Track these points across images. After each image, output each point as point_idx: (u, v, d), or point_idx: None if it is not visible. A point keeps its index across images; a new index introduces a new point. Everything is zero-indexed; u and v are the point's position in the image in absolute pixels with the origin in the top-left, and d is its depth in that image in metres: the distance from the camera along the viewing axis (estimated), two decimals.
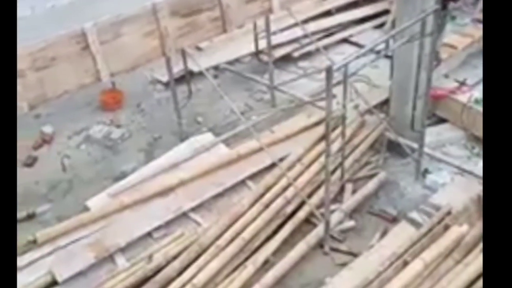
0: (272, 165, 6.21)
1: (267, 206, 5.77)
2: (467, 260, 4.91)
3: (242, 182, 6.32)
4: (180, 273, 5.22)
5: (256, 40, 8.24)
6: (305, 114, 7.20)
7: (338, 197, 6.07)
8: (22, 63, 4.64)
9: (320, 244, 5.56)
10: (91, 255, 5.45)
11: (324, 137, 5.07)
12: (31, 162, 6.98)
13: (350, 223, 5.81)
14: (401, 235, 5.39)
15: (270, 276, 5.18)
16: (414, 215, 5.62)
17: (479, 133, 6.36)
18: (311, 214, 5.77)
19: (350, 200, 5.97)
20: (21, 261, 5.41)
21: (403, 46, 5.59)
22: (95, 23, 4.99)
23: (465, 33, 7.45)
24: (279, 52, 8.35)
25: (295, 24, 7.82)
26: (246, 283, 5.15)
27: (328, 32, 8.91)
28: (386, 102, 6.86)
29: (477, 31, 7.30)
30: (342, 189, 6.14)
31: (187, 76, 7.70)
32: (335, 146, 5.97)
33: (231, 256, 5.35)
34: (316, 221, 5.73)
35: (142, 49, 5.41)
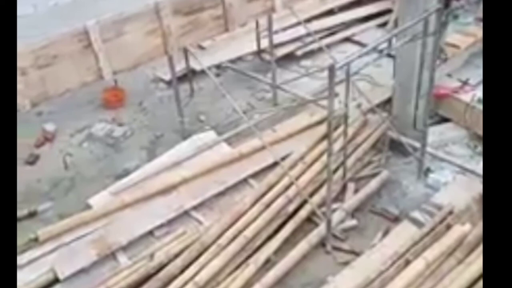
0: (274, 164, 6.21)
1: (269, 205, 5.77)
2: (469, 260, 4.90)
3: (244, 181, 6.32)
4: (182, 271, 5.22)
5: (258, 39, 8.25)
6: (308, 113, 7.20)
7: (340, 196, 6.06)
8: (24, 61, 4.64)
9: (322, 243, 5.55)
10: (93, 253, 5.46)
11: (326, 136, 5.06)
12: (33, 160, 6.99)
13: (352, 222, 5.81)
14: (403, 234, 5.38)
15: (272, 275, 5.17)
16: (416, 214, 5.61)
17: (482, 132, 6.35)
18: (313, 213, 5.77)
19: (352, 199, 5.97)
20: (22, 259, 5.42)
21: (406, 45, 5.58)
22: (98, 21, 4.98)
23: (468, 33, 7.43)
24: (281, 51, 8.35)
25: (298, 23, 7.82)
26: (248, 282, 5.15)
27: (331, 31, 8.92)
28: (388, 101, 6.86)
29: (480, 31, 7.26)
30: (344, 188, 6.14)
31: (189, 75, 7.71)
32: (337, 145, 5.99)
33: (233, 254, 5.35)
34: (318, 220, 5.73)
35: (145, 47, 5.40)
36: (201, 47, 8.51)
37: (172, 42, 5.55)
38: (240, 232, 5.51)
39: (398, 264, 4.93)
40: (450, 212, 5.47)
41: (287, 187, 5.92)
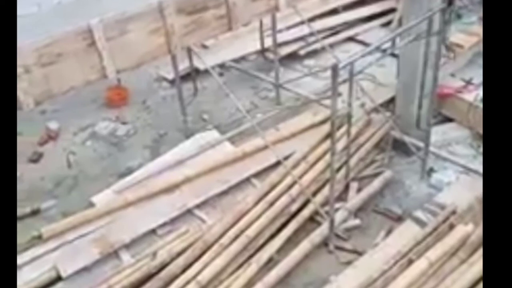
0: (277, 163, 6.21)
1: (271, 204, 5.77)
2: (472, 260, 4.89)
3: (247, 180, 6.32)
4: (184, 270, 5.22)
5: (262, 38, 8.25)
6: (311, 112, 7.20)
7: (343, 196, 6.06)
8: (28, 59, 4.65)
9: (324, 243, 5.55)
10: (96, 251, 5.47)
11: (329, 136, 5.07)
12: (36, 158, 7.00)
13: (355, 222, 5.80)
14: (406, 234, 5.38)
15: (274, 274, 5.17)
16: (419, 214, 5.61)
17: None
18: (316, 212, 5.77)
19: (355, 199, 5.96)
20: (25, 256, 5.43)
21: (409, 45, 5.57)
22: (102, 19, 4.99)
23: (472, 32, 7.42)
24: (285, 50, 8.35)
25: (301, 22, 7.82)
26: (250, 281, 5.15)
27: (334, 30, 8.91)
28: (392, 100, 6.86)
29: None
30: (347, 188, 6.13)
31: (193, 74, 7.72)
32: (340, 145, 5.98)
33: (235, 253, 5.35)
34: (320, 220, 5.72)
35: (148, 46, 5.41)
36: (205, 46, 8.52)
37: (175, 41, 5.55)
38: (242, 231, 5.51)
39: (401, 263, 4.92)
40: (453, 212, 5.47)
41: (290, 187, 5.92)
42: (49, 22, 5.05)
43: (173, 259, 5.33)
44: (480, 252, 4.92)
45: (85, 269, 5.37)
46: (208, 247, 5.40)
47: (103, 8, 5.14)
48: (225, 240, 5.43)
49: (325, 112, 6.70)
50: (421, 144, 6.14)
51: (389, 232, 5.61)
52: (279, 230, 5.63)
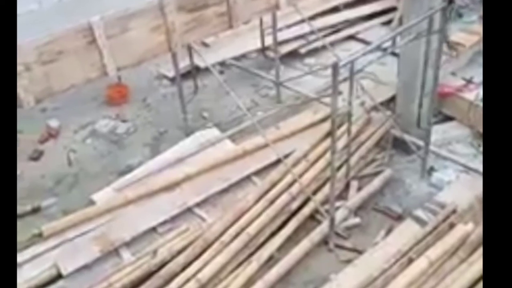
0: (278, 161, 6.21)
1: (272, 202, 5.77)
2: (472, 259, 4.89)
3: (247, 178, 6.33)
4: (184, 268, 5.23)
5: (262, 36, 8.25)
6: (311, 110, 7.20)
7: (343, 194, 6.06)
8: (28, 57, 4.64)
9: (324, 241, 5.56)
10: (96, 249, 5.47)
11: (329, 134, 5.06)
12: (37, 156, 7.01)
13: (355, 220, 5.81)
14: (406, 232, 5.39)
15: (274, 272, 5.18)
16: (419, 212, 5.61)
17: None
18: (316, 210, 5.77)
19: (355, 197, 5.97)
20: (26, 254, 5.44)
21: (410, 43, 5.57)
22: (102, 17, 4.98)
23: (472, 31, 7.42)
24: (285, 49, 8.35)
25: (302, 21, 7.81)
26: (250, 279, 5.15)
27: (335, 28, 8.91)
28: (392, 99, 6.86)
29: None
30: (347, 186, 6.14)
31: (193, 72, 7.71)
32: (340, 143, 5.98)
33: (235, 251, 5.36)
34: (321, 218, 5.73)
35: (149, 44, 5.40)
36: (205, 44, 8.51)
37: (176, 39, 5.55)
38: (243, 229, 5.51)
39: (401, 262, 4.93)
40: (453, 211, 5.47)
41: (290, 185, 5.92)
42: (50, 19, 5.04)
43: (173, 257, 5.34)
44: (480, 251, 4.92)
45: (86, 267, 5.37)
46: (208, 245, 5.40)
47: (104, 5, 5.14)
48: (225, 238, 5.43)
49: (326, 110, 6.70)
50: (422, 143, 6.14)
51: (389, 231, 5.61)
52: (280, 228, 5.64)
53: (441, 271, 4.86)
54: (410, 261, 4.91)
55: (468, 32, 7.42)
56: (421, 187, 6.14)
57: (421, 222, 5.49)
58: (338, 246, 5.55)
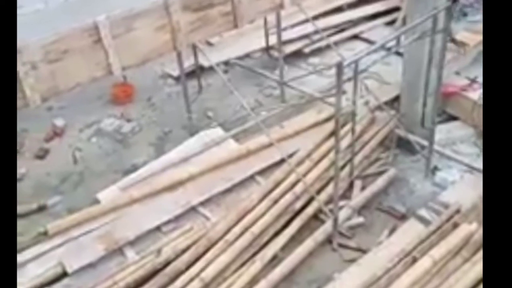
0: (281, 161, 6.22)
1: (275, 201, 5.78)
2: (476, 259, 4.89)
3: (251, 177, 6.34)
4: (188, 267, 5.25)
5: (266, 36, 8.26)
6: (315, 110, 7.20)
7: (347, 194, 6.07)
8: (35, 56, 4.67)
9: (328, 240, 5.57)
10: (101, 248, 5.50)
11: (333, 133, 5.07)
12: (42, 155, 7.04)
13: (358, 220, 5.81)
14: (410, 232, 5.39)
15: (278, 271, 5.19)
16: (423, 212, 5.62)
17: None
18: (320, 210, 5.78)
19: (359, 197, 5.97)
20: (31, 252, 5.47)
21: (414, 43, 5.58)
22: (108, 16, 5.01)
23: (477, 30, 7.39)
24: (289, 48, 8.35)
25: (306, 20, 7.81)
26: (254, 278, 5.17)
27: (339, 28, 8.90)
28: (396, 99, 6.86)
29: None
30: (351, 186, 6.14)
31: (198, 71, 7.73)
32: (344, 143, 5.98)
33: (239, 250, 5.37)
34: (324, 217, 5.74)
35: (154, 43, 5.42)
36: (210, 44, 8.53)
37: (181, 38, 5.56)
38: (246, 228, 5.53)
39: (404, 262, 4.94)
40: (457, 211, 5.47)
41: (294, 184, 5.93)
42: (56, 18, 5.07)
43: (177, 256, 5.36)
44: None
45: (90, 266, 5.40)
46: (212, 245, 5.42)
47: (110, 5, 5.16)
48: (229, 237, 5.45)
49: (330, 110, 6.70)
50: (426, 143, 6.14)
51: (393, 230, 5.62)
52: (283, 227, 5.65)
53: (445, 271, 4.86)
54: (414, 260, 4.91)
55: (473, 31, 7.40)
56: (425, 186, 6.15)
57: (425, 221, 5.50)
58: (341, 246, 5.56)
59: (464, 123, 6.84)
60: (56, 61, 4.83)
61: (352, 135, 5.76)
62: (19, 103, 4.68)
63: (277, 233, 5.61)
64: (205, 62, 7.58)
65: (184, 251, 5.41)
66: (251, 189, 6.17)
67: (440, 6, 5.21)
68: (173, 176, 6.25)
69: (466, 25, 7.59)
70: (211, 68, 7.15)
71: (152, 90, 8.14)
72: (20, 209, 5.94)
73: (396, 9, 9.15)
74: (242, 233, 5.50)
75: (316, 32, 7.97)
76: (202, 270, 5.19)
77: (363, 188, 6.12)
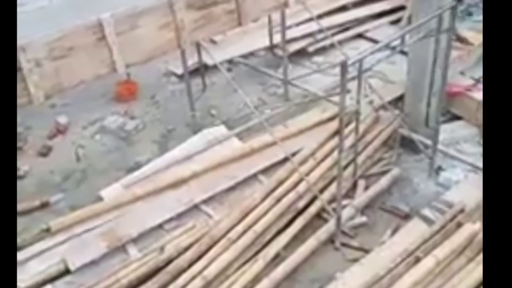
0: (285, 160, 6.22)
1: (278, 200, 5.78)
2: (480, 258, 4.87)
3: (254, 176, 6.34)
4: (191, 264, 5.25)
5: (271, 34, 8.25)
6: (319, 109, 7.20)
7: (350, 193, 6.06)
8: (39, 53, 4.68)
9: (331, 240, 5.56)
10: (104, 245, 5.50)
11: (337, 132, 5.06)
12: (45, 152, 7.05)
13: (361, 219, 5.80)
14: (413, 231, 5.38)
15: (281, 270, 5.19)
16: (427, 212, 5.60)
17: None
18: (323, 209, 5.77)
19: (362, 196, 5.96)
20: (34, 249, 5.48)
21: (419, 42, 5.56)
22: (112, 14, 5.01)
23: (482, 30, 7.38)
24: (293, 47, 8.34)
25: (310, 19, 7.80)
26: (256, 276, 5.16)
27: (343, 27, 8.89)
28: (400, 98, 6.84)
29: None
30: (354, 185, 6.13)
31: (202, 69, 7.72)
32: (348, 142, 5.97)
33: (242, 249, 5.37)
34: (327, 217, 5.73)
35: (158, 41, 5.42)
36: (214, 42, 8.52)
37: (185, 36, 5.56)
38: (249, 227, 5.52)
39: (407, 261, 4.92)
40: (461, 210, 5.45)
41: (297, 183, 5.92)
42: (60, 15, 5.07)
43: (180, 253, 5.36)
44: None
45: (93, 263, 5.41)
46: (215, 243, 5.42)
47: (113, 2, 5.16)
48: (232, 235, 5.44)
49: (334, 109, 6.70)
50: (430, 142, 6.13)
51: (396, 230, 5.61)
52: (286, 226, 5.64)
53: (448, 271, 4.85)
54: (417, 260, 4.90)
55: (477, 31, 7.38)
56: (428, 186, 6.13)
57: (428, 221, 5.48)
58: (344, 245, 5.55)
59: (468, 123, 6.83)
60: (60, 58, 4.83)
61: (355, 134, 5.75)
62: (23, 100, 4.69)
63: (279, 232, 5.60)
64: (209, 60, 7.57)
65: (186, 249, 5.41)
66: (254, 187, 6.17)
67: (445, 5, 5.19)
68: (176, 174, 6.25)
69: (471, 25, 7.58)
70: (215, 66, 7.14)
71: (156, 88, 8.14)
72: (23, 206, 5.97)
73: (401, 8, 9.13)
74: (244, 232, 5.49)
75: (320, 31, 7.95)
76: (205, 268, 5.18)
77: (366, 187, 6.11)
